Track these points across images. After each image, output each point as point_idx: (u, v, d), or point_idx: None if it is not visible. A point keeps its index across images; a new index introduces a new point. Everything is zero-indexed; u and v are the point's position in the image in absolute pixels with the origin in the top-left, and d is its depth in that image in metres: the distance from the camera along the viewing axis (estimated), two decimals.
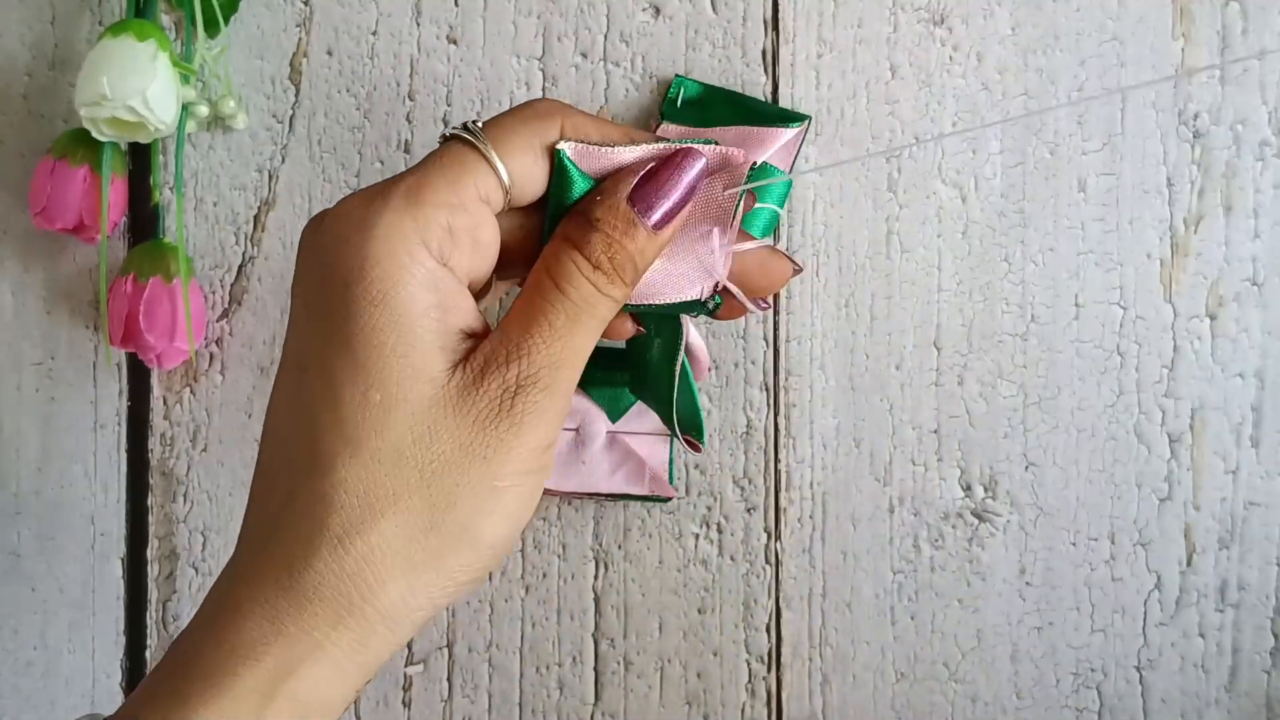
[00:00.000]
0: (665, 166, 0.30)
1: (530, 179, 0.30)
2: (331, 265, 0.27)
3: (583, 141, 0.31)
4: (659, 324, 0.38)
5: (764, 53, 0.47)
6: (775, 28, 0.47)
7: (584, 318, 0.29)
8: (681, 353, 0.38)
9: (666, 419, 0.40)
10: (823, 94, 0.47)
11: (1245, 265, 0.46)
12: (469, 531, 0.27)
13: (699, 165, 0.30)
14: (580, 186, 0.31)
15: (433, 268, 0.27)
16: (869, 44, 0.47)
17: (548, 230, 0.31)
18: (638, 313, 0.36)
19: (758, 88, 0.47)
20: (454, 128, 0.30)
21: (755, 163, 0.34)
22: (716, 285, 0.33)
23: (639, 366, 0.42)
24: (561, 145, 0.30)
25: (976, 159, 0.46)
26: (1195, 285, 0.46)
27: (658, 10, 0.47)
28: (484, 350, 0.28)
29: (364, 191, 0.28)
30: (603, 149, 0.31)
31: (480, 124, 0.30)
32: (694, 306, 0.33)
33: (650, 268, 0.31)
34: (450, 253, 0.28)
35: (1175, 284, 0.46)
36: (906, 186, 0.47)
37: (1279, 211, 0.46)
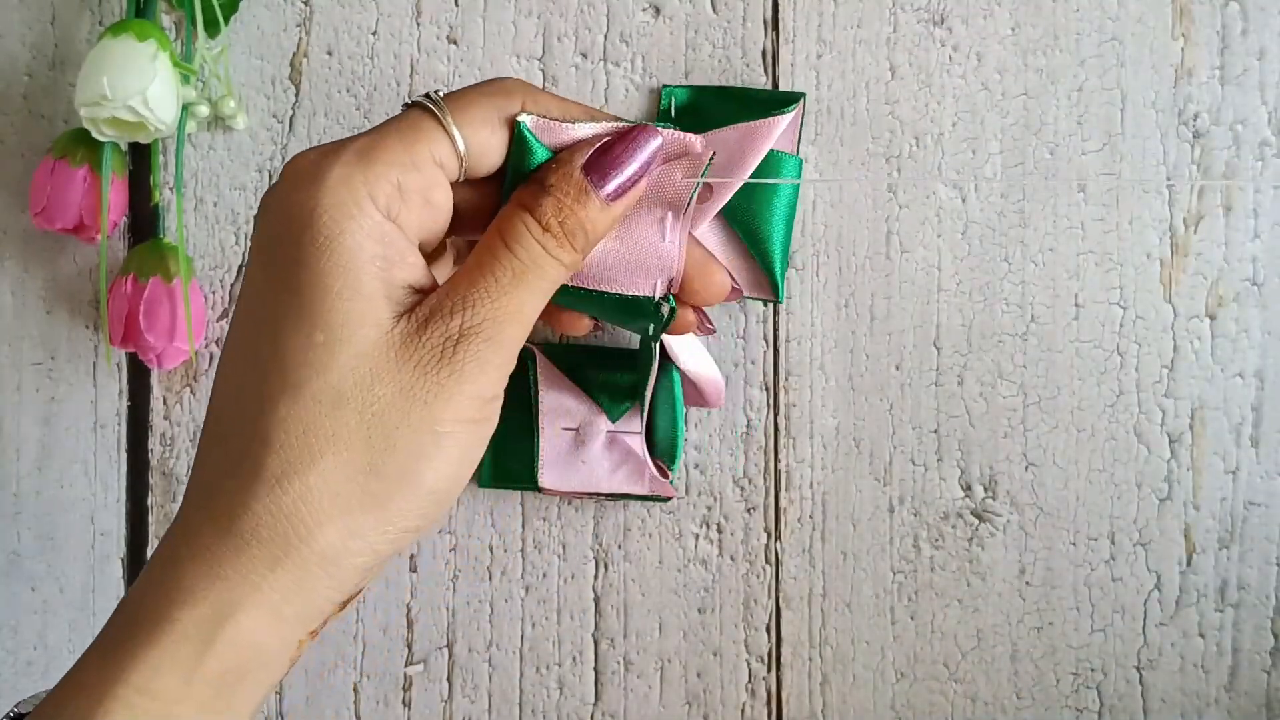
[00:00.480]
0: (621, 140, 0.31)
1: (487, 150, 0.31)
2: (284, 214, 0.28)
3: (544, 116, 0.31)
4: (647, 356, 0.39)
5: (764, 53, 0.47)
6: (775, 28, 0.47)
7: (530, 277, 0.29)
8: (652, 376, 0.38)
9: (647, 439, 0.42)
10: (823, 94, 0.47)
11: (1245, 265, 0.46)
12: (409, 475, 0.27)
13: (655, 142, 0.31)
14: (539, 157, 0.31)
15: (379, 220, 0.28)
16: (869, 44, 0.47)
17: (505, 197, 0.32)
18: (597, 316, 0.37)
19: (758, 87, 0.47)
20: (417, 96, 0.30)
21: (707, 156, 0.35)
22: (670, 284, 0.34)
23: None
24: (522, 117, 0.31)
25: (976, 159, 0.46)
26: (1195, 285, 0.46)
27: (658, 10, 0.47)
28: (430, 301, 0.29)
29: (320, 147, 0.29)
30: (563, 124, 0.31)
31: (442, 93, 0.31)
32: (646, 309, 0.34)
33: (603, 247, 0.32)
34: (399, 210, 0.29)
35: (1175, 284, 0.46)
36: (906, 186, 0.47)
37: (1279, 211, 0.46)
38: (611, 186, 0.30)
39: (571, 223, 0.30)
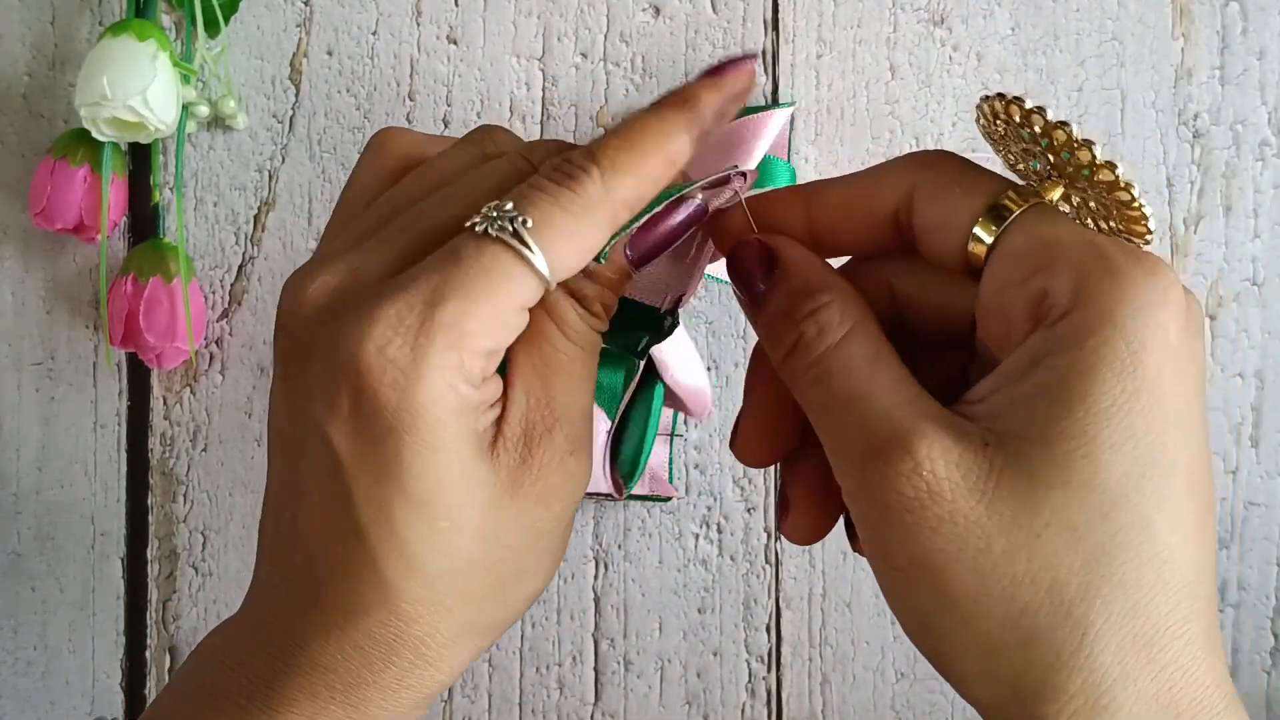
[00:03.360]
0: (673, 227, 0.28)
1: (574, 274, 0.28)
2: (369, 402, 0.25)
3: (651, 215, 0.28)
4: (616, 358, 0.37)
5: (764, 53, 0.47)
6: (775, 28, 0.47)
7: (592, 359, 0.28)
8: (629, 392, 0.37)
9: (612, 449, 0.40)
10: (823, 94, 0.47)
11: (1245, 265, 0.46)
12: (527, 592, 0.28)
13: (692, 206, 0.29)
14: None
15: (469, 394, 0.26)
16: (869, 44, 0.47)
17: None
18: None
19: (757, 88, 0.47)
20: (496, 227, 0.26)
21: (745, 167, 0.33)
22: (679, 299, 0.32)
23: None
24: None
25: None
26: (1195, 285, 0.46)
27: (658, 10, 0.47)
28: (516, 419, 0.27)
29: (388, 304, 0.25)
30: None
31: (525, 220, 0.26)
32: (649, 321, 0.32)
33: None
34: (488, 370, 0.27)
35: None
36: None
37: (1279, 211, 0.46)
38: (649, 259, 0.29)
39: (610, 303, 0.28)
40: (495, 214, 0.25)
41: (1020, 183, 0.28)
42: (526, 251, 0.25)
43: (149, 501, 0.48)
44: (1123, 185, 0.26)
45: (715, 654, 0.47)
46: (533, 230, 0.25)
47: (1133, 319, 0.23)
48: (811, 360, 0.26)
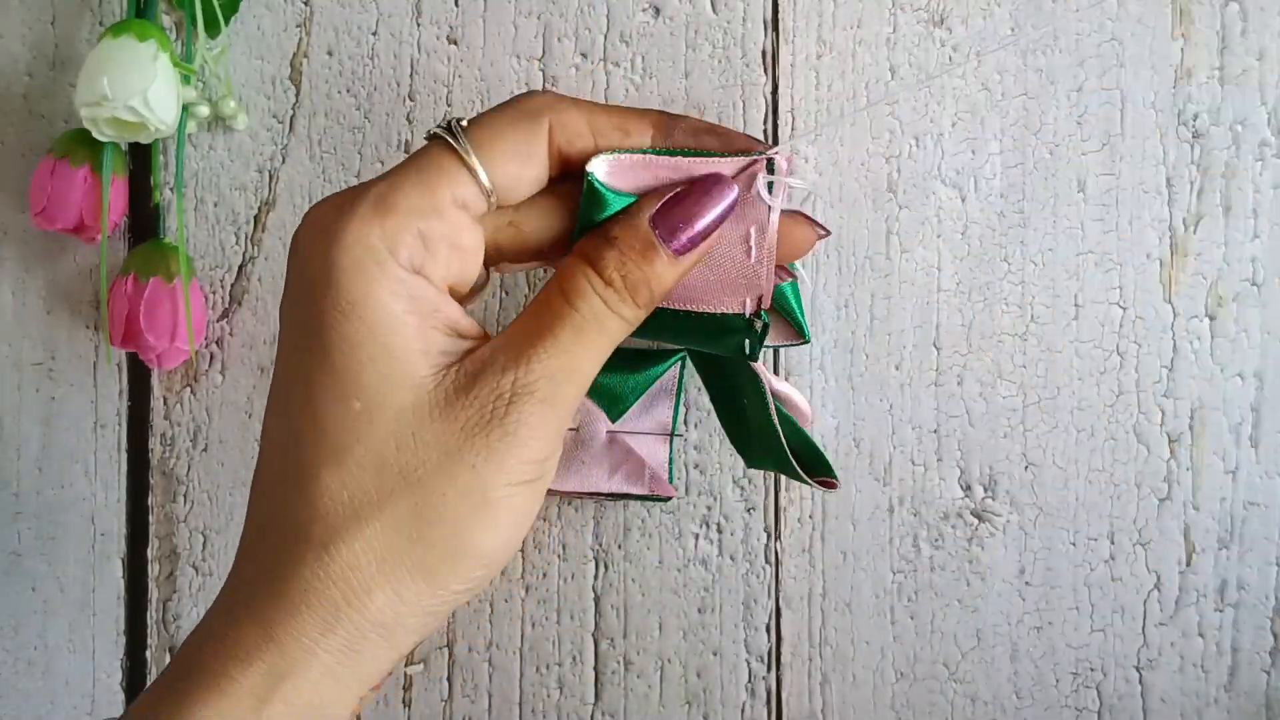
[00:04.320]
0: (694, 193, 0.29)
1: (517, 183, 0.29)
2: (303, 275, 0.27)
3: (615, 152, 0.29)
4: (741, 385, 0.36)
5: (764, 53, 0.47)
6: (775, 28, 0.47)
7: (591, 333, 0.28)
8: (770, 400, 0.36)
9: (792, 473, 0.38)
10: (823, 94, 0.47)
11: (1245, 265, 0.46)
12: (459, 544, 0.27)
13: (730, 195, 0.29)
14: (613, 207, 0.29)
15: (403, 276, 0.27)
16: (869, 44, 0.47)
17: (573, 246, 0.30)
18: (681, 341, 0.34)
19: (757, 88, 0.47)
20: (439, 125, 0.29)
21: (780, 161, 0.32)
22: (760, 301, 0.31)
23: (741, 435, 0.40)
24: (592, 166, 0.29)
25: (976, 159, 0.46)
26: (1195, 285, 0.46)
27: (658, 10, 0.47)
28: (480, 355, 0.27)
29: (335, 197, 0.28)
30: (636, 157, 0.29)
31: (465, 122, 0.29)
32: (737, 326, 0.32)
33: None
34: (423, 260, 0.27)
35: (1175, 284, 0.46)
36: (906, 187, 0.47)
37: (1278, 211, 0.46)
38: (682, 241, 0.28)
39: (635, 277, 0.28)
40: (448, 121, 0.28)
41: None
42: (455, 143, 0.28)
43: (149, 501, 0.48)
44: None
45: (715, 654, 0.47)
46: (468, 129, 0.28)
47: None
48: None
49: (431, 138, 0.29)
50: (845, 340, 0.47)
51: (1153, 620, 0.47)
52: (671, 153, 0.30)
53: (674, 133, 0.30)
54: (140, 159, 0.48)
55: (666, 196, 0.29)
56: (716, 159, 0.30)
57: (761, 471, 0.47)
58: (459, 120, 0.29)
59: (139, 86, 0.42)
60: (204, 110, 0.47)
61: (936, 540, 0.47)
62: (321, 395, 0.27)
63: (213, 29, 0.47)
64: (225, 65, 0.47)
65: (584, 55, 0.47)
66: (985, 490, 0.47)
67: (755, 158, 0.30)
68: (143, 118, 0.43)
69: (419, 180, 0.28)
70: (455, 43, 0.48)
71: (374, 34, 0.48)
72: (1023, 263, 0.47)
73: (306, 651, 0.26)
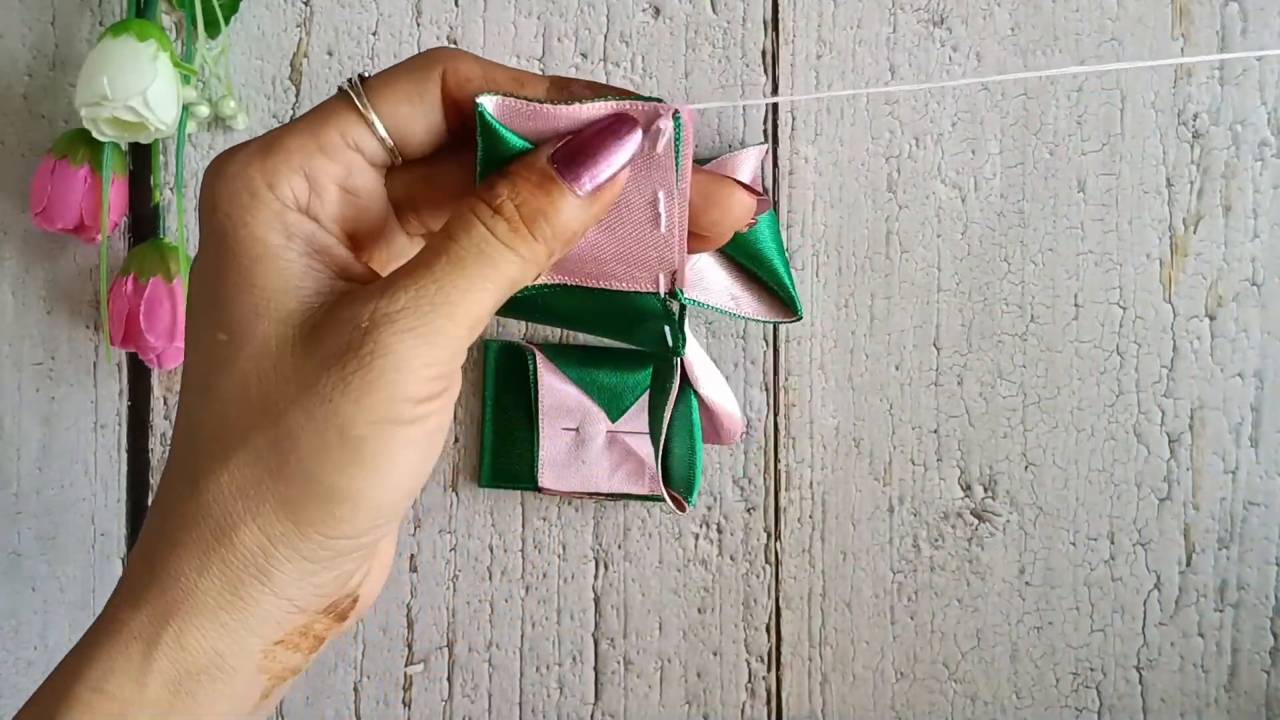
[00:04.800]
0: (597, 130, 0.27)
1: (411, 127, 0.29)
2: (199, 215, 0.28)
3: (509, 95, 0.28)
4: (656, 367, 0.35)
5: (764, 53, 0.47)
6: (775, 28, 0.47)
7: (471, 264, 0.26)
8: (669, 408, 0.34)
9: (658, 467, 0.37)
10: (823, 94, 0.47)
11: (1245, 265, 0.46)
12: (319, 482, 0.25)
13: (636, 136, 0.27)
14: (510, 143, 0.28)
15: (278, 209, 0.27)
16: (869, 44, 0.47)
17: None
18: (601, 330, 0.33)
19: (757, 88, 0.47)
20: (345, 80, 0.29)
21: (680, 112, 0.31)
22: (674, 278, 0.30)
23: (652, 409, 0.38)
24: (481, 100, 0.28)
25: (976, 159, 0.46)
26: (1195, 285, 0.46)
27: (658, 10, 0.47)
28: (351, 293, 0.26)
29: (233, 146, 0.28)
30: (533, 105, 0.28)
31: (369, 74, 0.29)
32: (652, 309, 0.30)
33: (592, 239, 0.29)
34: (309, 200, 0.27)
35: (1175, 284, 0.46)
36: (906, 187, 0.47)
37: (1278, 211, 0.46)
38: (584, 180, 0.27)
39: (529, 208, 0.27)
40: (348, 78, 0.29)
41: None
42: (348, 88, 0.28)
43: (149, 501, 0.48)
44: None
45: (715, 654, 0.47)
46: (368, 80, 0.29)
47: None
48: None
49: (337, 92, 0.29)
50: (845, 340, 0.47)
51: (1153, 620, 0.47)
52: (567, 103, 0.29)
53: (570, 88, 0.29)
54: (140, 159, 0.48)
55: (566, 137, 0.28)
56: (613, 104, 0.28)
57: (761, 471, 0.47)
58: (361, 73, 0.30)
59: (139, 86, 0.42)
60: (204, 110, 0.47)
61: (936, 540, 0.47)
62: (197, 328, 0.27)
63: (213, 29, 0.47)
64: (225, 65, 0.47)
65: (584, 55, 0.47)
66: (985, 490, 0.47)
67: (657, 105, 0.28)
68: (143, 118, 0.43)
69: (306, 124, 0.28)
70: (455, 43, 0.48)
71: (374, 34, 0.48)
72: (1023, 263, 0.47)
73: (187, 591, 0.26)
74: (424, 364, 0.25)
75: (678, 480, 0.38)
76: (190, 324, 0.27)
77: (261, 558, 0.26)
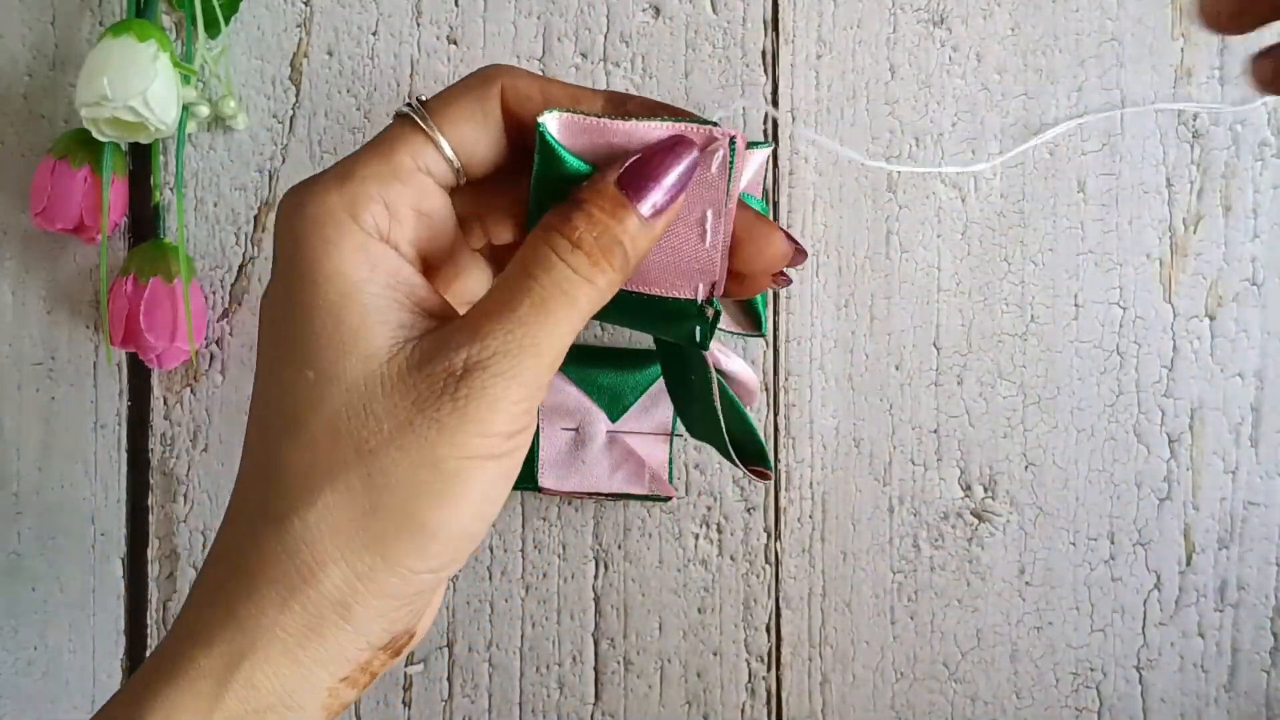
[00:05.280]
0: (660, 153, 0.28)
1: (476, 147, 0.29)
2: (276, 252, 0.28)
3: (569, 110, 0.29)
4: (691, 364, 0.36)
5: (764, 53, 0.47)
6: (775, 28, 0.47)
7: (553, 305, 0.27)
8: (715, 386, 0.35)
9: (729, 459, 0.38)
10: (822, 94, 0.47)
11: (1244, 265, 0.46)
12: (413, 517, 0.26)
13: (693, 154, 0.29)
14: (568, 164, 0.29)
15: (363, 240, 0.27)
16: (869, 44, 0.47)
17: (532, 210, 0.30)
18: (635, 325, 0.34)
19: (757, 88, 0.47)
20: (403, 103, 0.29)
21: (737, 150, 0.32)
22: (713, 288, 0.31)
23: (687, 412, 0.39)
24: (542, 118, 0.28)
25: (976, 159, 0.46)
26: (1194, 285, 0.46)
27: (658, 10, 0.47)
28: (439, 334, 0.27)
29: (307, 179, 0.28)
30: (590, 119, 0.29)
31: (425, 97, 0.29)
32: (689, 311, 0.31)
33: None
34: (389, 227, 0.28)
35: (1174, 284, 0.46)
36: (906, 187, 0.47)
37: (1278, 211, 0.46)
38: (650, 203, 0.28)
39: (607, 238, 0.27)
40: (406, 101, 0.29)
41: None
42: (410, 111, 0.28)
43: (149, 501, 0.48)
44: None
45: (715, 654, 0.47)
46: (428, 102, 0.29)
47: None
48: None
49: (396, 116, 0.30)
50: (845, 340, 0.47)
51: (1153, 620, 0.47)
52: (625, 119, 0.29)
53: (627, 105, 0.30)
54: (140, 159, 0.48)
55: (630, 160, 0.28)
56: (671, 124, 0.29)
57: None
58: (419, 96, 0.29)
59: (139, 86, 0.42)
60: (204, 110, 0.47)
61: (936, 540, 0.47)
62: (282, 366, 0.27)
63: (213, 29, 0.47)
64: (225, 65, 0.47)
65: (584, 55, 0.47)
66: (985, 490, 0.47)
67: (712, 128, 0.29)
68: (143, 118, 0.43)
69: (376, 150, 0.28)
70: (455, 43, 0.48)
71: (374, 34, 0.48)
72: (1023, 263, 0.47)
73: (266, 630, 0.26)
74: (514, 401, 0.26)
75: (750, 453, 0.38)
76: (268, 359, 0.27)
77: (348, 594, 0.26)
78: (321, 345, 0.26)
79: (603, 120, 0.29)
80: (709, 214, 0.30)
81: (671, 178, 0.28)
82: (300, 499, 0.26)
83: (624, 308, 0.32)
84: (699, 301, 0.31)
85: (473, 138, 0.29)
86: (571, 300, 0.27)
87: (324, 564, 0.26)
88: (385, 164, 0.28)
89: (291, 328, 0.27)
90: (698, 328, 0.32)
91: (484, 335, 0.26)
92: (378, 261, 0.27)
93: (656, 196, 0.28)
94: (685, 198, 0.29)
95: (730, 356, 0.43)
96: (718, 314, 0.32)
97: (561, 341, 0.27)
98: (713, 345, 0.38)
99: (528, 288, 0.27)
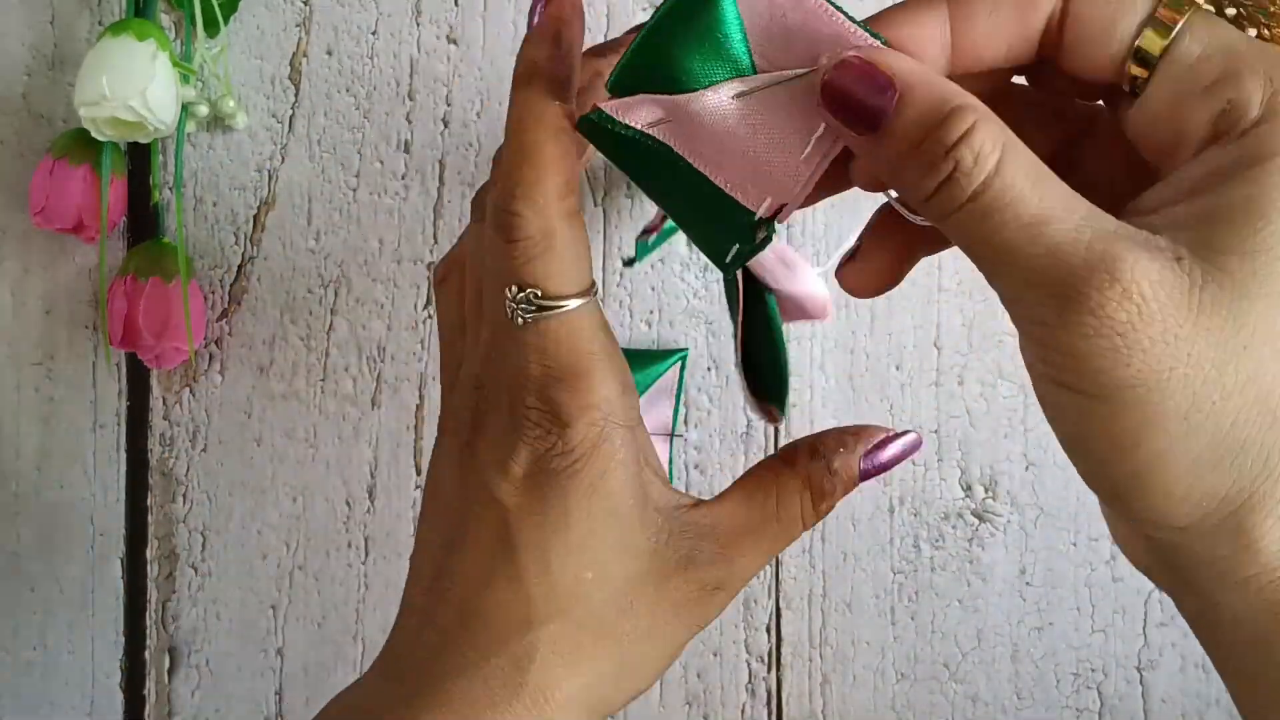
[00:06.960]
0: (897, 439, 0.31)
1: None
2: (542, 462, 0.29)
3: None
4: (759, 293, 0.34)
5: None
6: None
7: (787, 535, 0.30)
8: (739, 309, 0.33)
9: (742, 379, 0.36)
10: None
11: None
12: (643, 686, 0.30)
13: (921, 445, 0.32)
14: (734, 35, 0.26)
15: (630, 438, 0.29)
16: None
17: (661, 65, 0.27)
18: (672, 207, 0.30)
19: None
20: (522, 314, 0.28)
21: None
22: (781, 209, 0.27)
23: (733, 312, 0.36)
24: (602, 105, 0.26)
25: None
26: None
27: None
28: (689, 537, 0.29)
29: (614, 384, 0.29)
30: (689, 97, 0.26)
31: (532, 293, 0.28)
32: (735, 222, 0.27)
33: (730, 128, 0.26)
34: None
35: None
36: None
37: None
38: (872, 472, 0.31)
39: (826, 508, 0.30)
40: (513, 303, 0.28)
41: None
42: (539, 314, 0.28)
43: (149, 501, 0.48)
44: None
45: (715, 654, 0.47)
46: (537, 287, 0.28)
47: None
48: (973, 192, 0.23)
49: (522, 325, 0.29)
50: (845, 340, 0.47)
51: (1153, 621, 0.47)
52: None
53: None
54: (140, 159, 0.48)
55: (877, 440, 0.31)
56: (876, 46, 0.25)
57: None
58: (521, 295, 0.28)
59: (138, 86, 0.42)
60: (203, 110, 0.47)
61: (937, 540, 0.47)
62: (557, 563, 0.28)
63: (212, 29, 0.47)
64: (225, 65, 0.47)
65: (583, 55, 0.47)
66: (986, 490, 0.47)
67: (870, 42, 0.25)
68: (142, 117, 0.43)
69: (539, 339, 0.29)
70: (455, 42, 0.48)
71: (374, 34, 0.48)
72: None
73: None
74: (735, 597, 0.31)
75: (767, 390, 0.36)
76: (539, 546, 0.28)
77: None
78: (601, 549, 0.28)
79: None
80: (822, 128, 0.26)
81: (897, 462, 0.31)
82: (563, 675, 0.28)
83: (676, 185, 0.28)
84: (756, 217, 0.27)
85: (571, 273, 0.29)
86: (792, 538, 0.31)
87: None
88: (613, 358, 0.30)
89: (574, 527, 0.28)
90: (736, 246, 0.28)
91: (740, 567, 0.30)
92: (638, 446, 0.29)
93: (878, 471, 0.31)
94: (804, 97, 0.26)
95: (795, 275, 0.39)
96: (766, 239, 0.28)
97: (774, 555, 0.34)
98: (776, 260, 0.37)
99: (779, 534, 0.30)
